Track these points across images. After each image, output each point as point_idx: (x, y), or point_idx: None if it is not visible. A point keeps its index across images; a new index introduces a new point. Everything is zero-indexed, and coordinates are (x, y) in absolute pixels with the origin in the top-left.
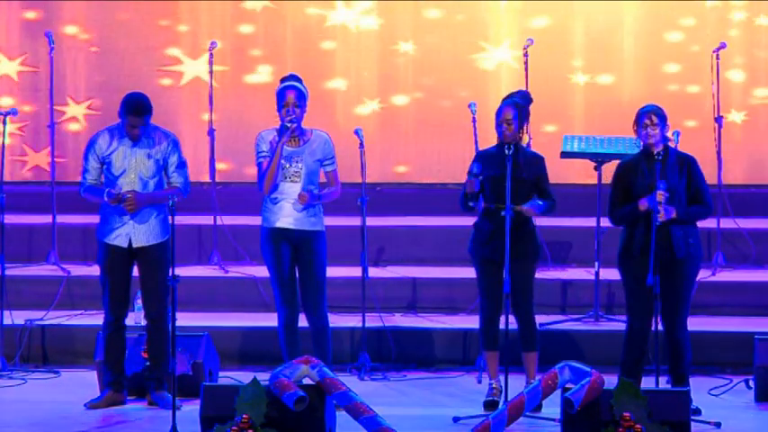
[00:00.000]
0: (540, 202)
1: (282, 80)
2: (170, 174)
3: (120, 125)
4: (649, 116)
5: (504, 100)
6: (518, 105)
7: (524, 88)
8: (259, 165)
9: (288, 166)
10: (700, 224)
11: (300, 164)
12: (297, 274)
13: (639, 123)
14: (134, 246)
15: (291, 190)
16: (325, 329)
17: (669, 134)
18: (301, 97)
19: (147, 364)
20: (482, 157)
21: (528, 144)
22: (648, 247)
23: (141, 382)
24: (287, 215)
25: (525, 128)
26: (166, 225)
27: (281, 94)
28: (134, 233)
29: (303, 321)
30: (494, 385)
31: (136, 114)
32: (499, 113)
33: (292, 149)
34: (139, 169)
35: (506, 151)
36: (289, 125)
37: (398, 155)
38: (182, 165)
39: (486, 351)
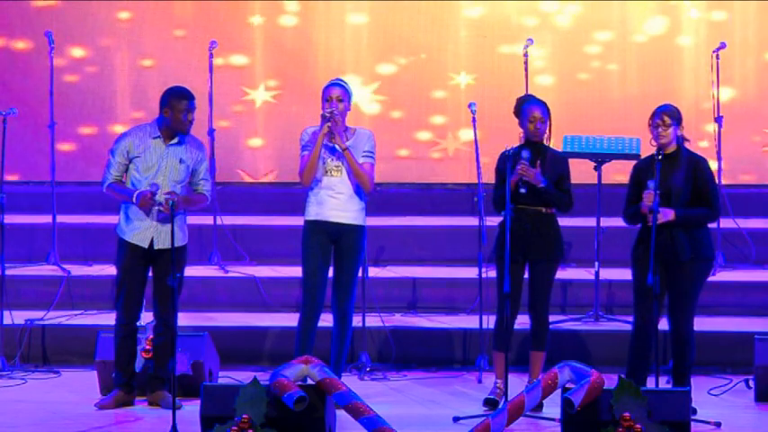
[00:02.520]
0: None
1: (329, 82)
2: (197, 181)
3: (154, 124)
4: (662, 116)
5: (527, 100)
6: (545, 103)
7: (524, 87)
8: (301, 158)
9: (329, 160)
10: None
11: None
12: (329, 272)
13: (653, 123)
14: (155, 247)
15: (332, 183)
16: (348, 323)
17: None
18: (345, 94)
19: (151, 363)
20: (507, 158)
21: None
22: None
23: (142, 381)
24: (329, 208)
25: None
26: (185, 228)
27: (325, 92)
28: (157, 235)
29: (321, 323)
30: (498, 384)
31: (190, 98)
32: (526, 112)
33: (335, 145)
34: (169, 172)
35: (507, 152)
36: (328, 114)
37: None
38: (209, 172)
39: (496, 351)
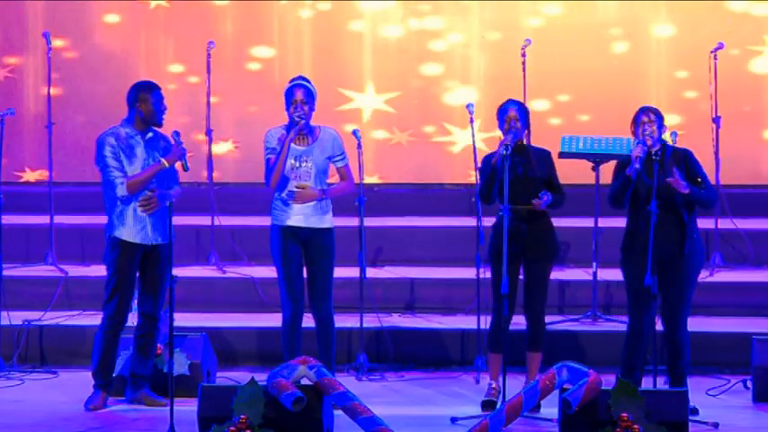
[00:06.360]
0: (547, 197)
1: (291, 81)
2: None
3: (125, 124)
4: (647, 114)
5: (506, 102)
6: (522, 105)
7: (522, 88)
8: (267, 161)
9: (297, 165)
10: (698, 224)
11: (310, 163)
12: (304, 273)
13: (637, 122)
14: (153, 243)
15: (302, 188)
16: (331, 327)
17: (666, 135)
18: (309, 95)
19: (147, 362)
20: (489, 161)
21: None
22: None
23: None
24: (296, 213)
25: (528, 130)
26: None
27: (289, 93)
28: (153, 231)
29: (305, 323)
30: (493, 386)
31: (158, 88)
32: (504, 112)
33: (302, 148)
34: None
35: (503, 151)
36: (297, 119)
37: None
38: (176, 171)
39: (491, 353)
